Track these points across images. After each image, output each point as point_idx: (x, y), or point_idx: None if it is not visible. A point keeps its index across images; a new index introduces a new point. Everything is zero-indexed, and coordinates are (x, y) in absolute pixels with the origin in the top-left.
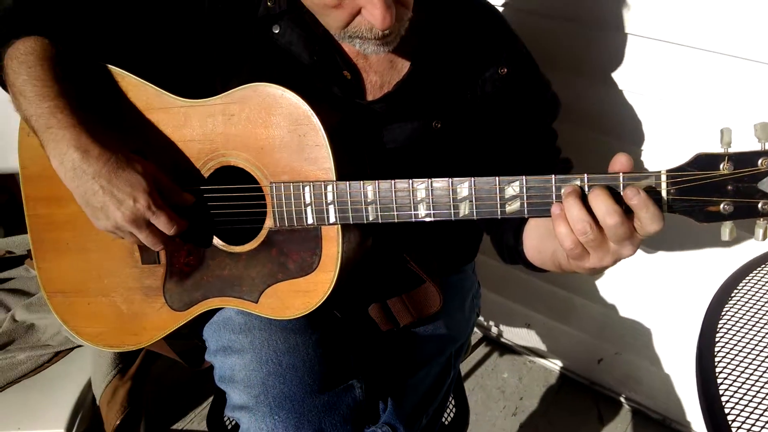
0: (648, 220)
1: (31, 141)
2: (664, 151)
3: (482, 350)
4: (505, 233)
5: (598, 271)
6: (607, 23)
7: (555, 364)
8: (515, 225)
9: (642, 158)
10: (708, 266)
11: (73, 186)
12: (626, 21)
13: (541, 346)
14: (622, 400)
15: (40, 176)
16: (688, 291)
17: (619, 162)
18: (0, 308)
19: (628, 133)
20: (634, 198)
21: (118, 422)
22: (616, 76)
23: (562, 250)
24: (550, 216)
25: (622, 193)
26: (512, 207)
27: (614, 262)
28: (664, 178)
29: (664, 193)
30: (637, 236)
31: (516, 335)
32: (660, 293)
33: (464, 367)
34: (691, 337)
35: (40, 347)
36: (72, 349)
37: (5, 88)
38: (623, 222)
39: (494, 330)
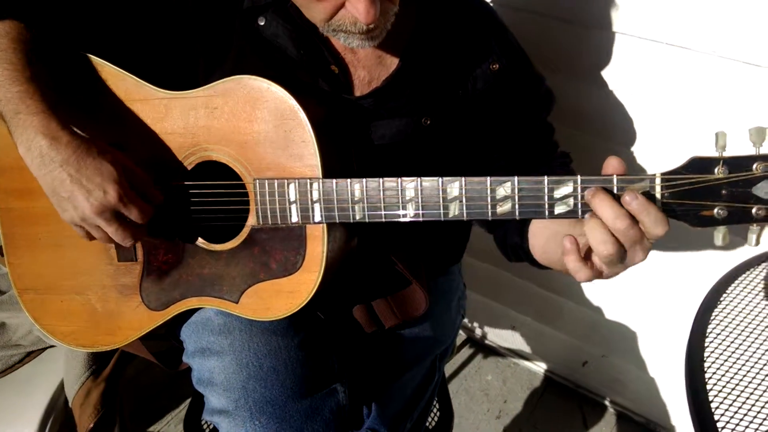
0: (651, 223)
1: (2, 130)
2: (657, 153)
3: (466, 352)
4: (509, 232)
5: (607, 278)
6: (598, 22)
7: (540, 367)
8: (519, 224)
9: (635, 160)
10: (696, 270)
11: (40, 174)
12: (618, 20)
13: (526, 349)
14: (607, 403)
15: (12, 168)
16: (676, 295)
17: (612, 165)
18: None
19: (620, 134)
20: (633, 202)
21: (91, 425)
22: (609, 76)
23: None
24: (542, 217)
25: (620, 198)
26: (503, 208)
27: (625, 268)
28: (658, 181)
29: (658, 197)
30: (645, 240)
31: (501, 337)
32: (647, 296)
33: (448, 369)
34: (678, 340)
35: (11, 347)
36: (44, 349)
37: None
38: (632, 224)
39: (478, 332)
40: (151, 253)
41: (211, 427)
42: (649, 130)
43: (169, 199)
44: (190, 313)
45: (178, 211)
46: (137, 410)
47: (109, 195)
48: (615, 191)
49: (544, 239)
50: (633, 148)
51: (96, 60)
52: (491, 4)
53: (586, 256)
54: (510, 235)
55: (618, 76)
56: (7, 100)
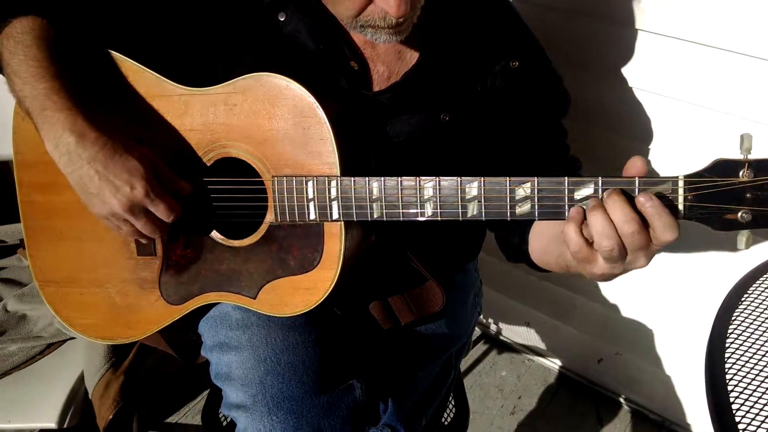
0: (661, 228)
1: (26, 125)
2: (679, 154)
3: (481, 348)
4: (511, 232)
5: (606, 279)
6: (620, 19)
7: (554, 363)
8: (521, 225)
9: (657, 160)
10: (713, 268)
11: (67, 171)
12: (641, 17)
13: (541, 345)
14: (622, 400)
15: (35, 162)
16: (692, 293)
17: (635, 166)
18: None
19: (642, 133)
20: (647, 203)
21: (111, 416)
22: (631, 74)
23: (569, 253)
24: (561, 218)
25: (635, 199)
26: (522, 209)
27: (624, 272)
28: (681, 183)
29: (681, 200)
30: (652, 247)
31: (515, 333)
32: (663, 294)
33: (462, 364)
34: (694, 339)
35: (32, 339)
36: (64, 341)
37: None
38: (640, 230)
39: (493, 327)
40: (169, 248)
41: (228, 419)
42: (672, 129)
43: (190, 194)
44: (209, 307)
45: (198, 207)
46: (155, 401)
47: (136, 191)
48: (636, 193)
49: (546, 240)
50: (656, 148)
51: (117, 56)
52: (512, 0)
53: (588, 242)
54: (511, 236)
55: (640, 74)
56: (34, 96)
